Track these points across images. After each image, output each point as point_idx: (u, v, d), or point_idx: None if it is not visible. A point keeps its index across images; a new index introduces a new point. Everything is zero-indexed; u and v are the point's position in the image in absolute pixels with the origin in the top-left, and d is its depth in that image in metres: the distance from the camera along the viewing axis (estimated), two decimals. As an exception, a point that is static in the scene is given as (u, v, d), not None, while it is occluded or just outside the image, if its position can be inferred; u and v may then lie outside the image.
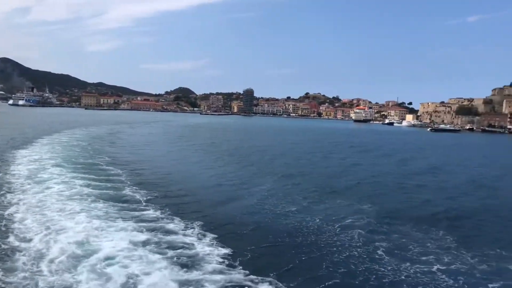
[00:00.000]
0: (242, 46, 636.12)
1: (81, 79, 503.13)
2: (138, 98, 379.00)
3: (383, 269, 13.49)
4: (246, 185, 27.16)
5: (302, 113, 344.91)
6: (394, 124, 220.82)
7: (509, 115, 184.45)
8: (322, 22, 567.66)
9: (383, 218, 20.07)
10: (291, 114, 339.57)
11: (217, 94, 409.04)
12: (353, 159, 47.74)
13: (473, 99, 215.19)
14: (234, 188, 26.27)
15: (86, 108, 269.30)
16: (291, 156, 47.14)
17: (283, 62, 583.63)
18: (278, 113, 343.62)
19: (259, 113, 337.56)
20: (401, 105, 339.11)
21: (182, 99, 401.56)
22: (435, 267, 14.04)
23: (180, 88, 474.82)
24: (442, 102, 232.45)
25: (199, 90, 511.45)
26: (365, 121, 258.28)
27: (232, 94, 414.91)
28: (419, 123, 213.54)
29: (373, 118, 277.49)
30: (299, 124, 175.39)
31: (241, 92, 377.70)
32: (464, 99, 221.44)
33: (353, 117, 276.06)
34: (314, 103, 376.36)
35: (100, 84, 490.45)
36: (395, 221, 19.67)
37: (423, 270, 13.63)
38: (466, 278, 13.24)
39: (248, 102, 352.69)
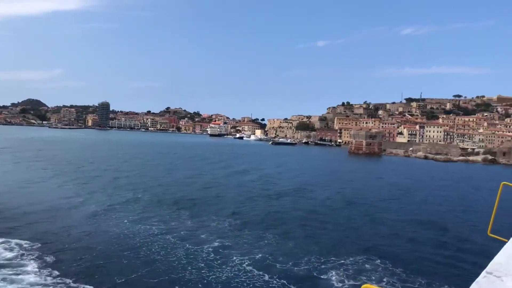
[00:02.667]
0: (101, 57, 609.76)
1: None
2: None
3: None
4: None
5: (161, 128, 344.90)
6: (244, 138, 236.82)
7: (338, 131, 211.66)
8: (186, 38, 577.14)
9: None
10: (149, 128, 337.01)
11: (71, 106, 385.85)
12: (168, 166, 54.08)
13: (311, 116, 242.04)
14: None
15: None
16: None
17: (145, 76, 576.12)
18: (136, 127, 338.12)
19: (115, 127, 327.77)
20: (254, 121, 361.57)
21: (30, 111, 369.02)
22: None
23: (29, 99, 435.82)
24: (286, 119, 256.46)
25: (52, 103, 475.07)
26: (220, 135, 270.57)
27: (88, 107, 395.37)
28: (265, 137, 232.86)
29: (229, 133, 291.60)
30: (151, 139, 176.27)
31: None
32: (304, 116, 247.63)
33: (209, 132, 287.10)
34: (173, 118, 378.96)
35: None
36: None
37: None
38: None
39: (103, 115, 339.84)
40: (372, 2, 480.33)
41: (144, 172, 51.41)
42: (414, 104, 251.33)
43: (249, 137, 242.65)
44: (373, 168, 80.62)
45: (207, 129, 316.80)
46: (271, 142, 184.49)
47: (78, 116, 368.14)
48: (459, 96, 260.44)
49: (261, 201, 35.28)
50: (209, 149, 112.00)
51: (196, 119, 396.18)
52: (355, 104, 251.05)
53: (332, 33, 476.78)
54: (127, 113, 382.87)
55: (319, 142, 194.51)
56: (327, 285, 16.85)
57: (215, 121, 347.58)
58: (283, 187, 44.52)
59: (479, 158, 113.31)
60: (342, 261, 19.69)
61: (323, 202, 36.21)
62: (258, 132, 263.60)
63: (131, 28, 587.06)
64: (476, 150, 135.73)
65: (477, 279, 1.84)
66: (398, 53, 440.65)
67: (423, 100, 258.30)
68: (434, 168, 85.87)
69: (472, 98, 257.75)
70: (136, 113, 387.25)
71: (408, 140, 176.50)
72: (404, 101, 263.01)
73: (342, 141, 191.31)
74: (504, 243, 2.71)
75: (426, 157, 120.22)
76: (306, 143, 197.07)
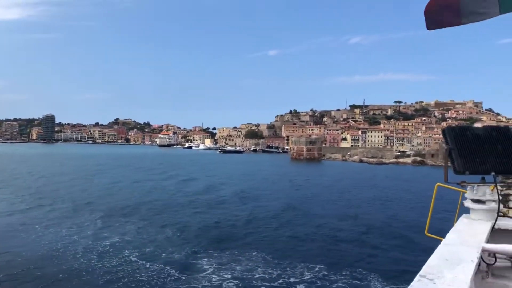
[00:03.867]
0: (46, 69, 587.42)
1: None
2: None
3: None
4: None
5: (109, 139, 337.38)
6: (193, 148, 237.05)
7: (286, 138, 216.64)
8: (136, 48, 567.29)
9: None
10: (97, 141, 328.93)
11: (14, 120, 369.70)
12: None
13: (259, 125, 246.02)
14: None
15: None
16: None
17: (93, 87, 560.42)
18: (83, 140, 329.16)
19: (61, 140, 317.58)
20: (206, 130, 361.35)
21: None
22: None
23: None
24: (235, 127, 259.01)
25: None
26: (169, 145, 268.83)
27: (33, 120, 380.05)
28: (214, 146, 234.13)
29: (179, 143, 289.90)
30: (93, 151, 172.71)
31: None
32: (253, 125, 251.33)
33: (158, 142, 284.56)
34: (122, 129, 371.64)
35: None
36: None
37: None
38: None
39: (49, 128, 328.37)
40: (320, 12, 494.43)
41: (60, 181, 53.43)
42: (357, 110, 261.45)
43: (198, 146, 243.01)
44: (302, 171, 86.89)
45: (156, 139, 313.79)
46: (219, 150, 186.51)
47: (22, 129, 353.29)
48: (400, 102, 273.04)
49: (169, 203, 38.01)
50: (150, 160, 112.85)
51: (146, 130, 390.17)
52: (302, 112, 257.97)
53: (283, 42, 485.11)
54: (74, 126, 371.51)
55: (266, 149, 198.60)
56: (199, 270, 19.19)
57: (166, 131, 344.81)
58: (197, 190, 48.28)
59: (409, 160, 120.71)
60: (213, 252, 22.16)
61: (221, 199, 41.73)
62: (208, 141, 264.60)
63: (77, 38, 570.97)
64: (408, 152, 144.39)
65: (412, 283, 1.88)
66: (346, 62, 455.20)
67: (366, 106, 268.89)
68: (364, 170, 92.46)
69: (412, 103, 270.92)
70: (84, 125, 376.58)
71: (352, 145, 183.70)
72: (349, 108, 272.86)
73: (289, 148, 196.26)
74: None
75: (361, 161, 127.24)
76: (254, 150, 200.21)
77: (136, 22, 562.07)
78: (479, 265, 2.68)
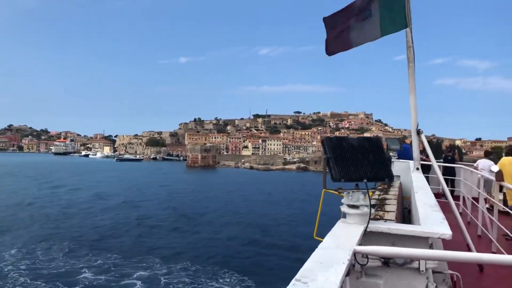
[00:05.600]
0: None
1: None
2: None
3: None
4: None
5: (0, 147, 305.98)
6: (90, 156, 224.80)
7: (189, 146, 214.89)
8: (36, 52, 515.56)
9: None
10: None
11: None
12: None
13: (161, 132, 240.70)
14: None
15: None
16: None
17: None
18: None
19: None
20: (107, 137, 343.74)
21: None
22: None
23: None
24: (136, 135, 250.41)
25: None
26: (66, 153, 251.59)
27: None
28: (112, 154, 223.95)
29: (76, 151, 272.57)
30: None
31: None
32: (155, 132, 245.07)
33: (53, 150, 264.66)
34: (14, 136, 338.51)
35: None
36: None
37: None
38: None
39: None
40: (232, 23, 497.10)
41: None
42: (260, 119, 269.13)
43: (95, 154, 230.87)
44: (187, 178, 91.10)
45: (51, 147, 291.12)
46: (116, 159, 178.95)
47: None
48: (299, 112, 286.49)
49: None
50: (33, 169, 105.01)
51: (43, 137, 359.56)
52: (206, 120, 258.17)
53: (195, 50, 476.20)
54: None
55: (167, 157, 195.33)
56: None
57: (64, 138, 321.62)
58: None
59: (293, 166, 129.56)
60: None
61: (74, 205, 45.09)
62: (107, 149, 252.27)
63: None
64: (294, 159, 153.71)
65: (287, 287, 1.91)
66: (255, 72, 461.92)
67: (269, 116, 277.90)
68: (243, 176, 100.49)
69: (310, 114, 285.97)
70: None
71: (253, 153, 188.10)
72: (252, 117, 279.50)
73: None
74: None
75: (251, 167, 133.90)
76: (155, 158, 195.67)
77: (39, 24, 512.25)
78: (354, 266, 2.87)
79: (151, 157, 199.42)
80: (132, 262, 23.56)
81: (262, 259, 24.54)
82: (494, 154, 13.96)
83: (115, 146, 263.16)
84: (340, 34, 6.67)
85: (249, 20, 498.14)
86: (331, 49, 6.87)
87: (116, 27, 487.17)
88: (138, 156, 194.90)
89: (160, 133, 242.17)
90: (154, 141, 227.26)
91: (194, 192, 60.62)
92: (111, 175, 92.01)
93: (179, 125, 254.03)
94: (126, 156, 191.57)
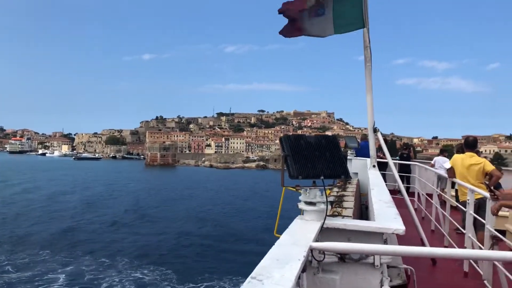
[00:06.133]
0: None
1: None
2: None
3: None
4: None
5: None
6: (47, 155, 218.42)
7: (147, 144, 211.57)
8: None
9: None
10: None
11: None
12: None
13: (122, 130, 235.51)
14: None
15: None
16: None
17: None
18: None
19: None
20: (67, 136, 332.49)
21: None
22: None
23: None
24: (96, 133, 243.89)
25: None
26: (22, 152, 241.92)
27: None
28: (70, 152, 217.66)
29: (34, 149, 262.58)
30: None
31: None
32: (115, 130, 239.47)
33: (8, 149, 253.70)
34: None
35: None
36: None
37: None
38: None
39: None
40: (197, 19, 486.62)
41: None
42: (224, 118, 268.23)
43: (53, 153, 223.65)
44: (141, 177, 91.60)
45: (6, 145, 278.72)
46: (73, 157, 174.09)
47: None
48: (263, 111, 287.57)
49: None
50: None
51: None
52: (168, 118, 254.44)
53: (158, 47, 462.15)
54: None
55: (127, 156, 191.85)
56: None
57: (21, 137, 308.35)
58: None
59: (253, 164, 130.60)
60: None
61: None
62: (65, 148, 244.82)
63: None
64: (254, 158, 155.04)
65: (242, 285, 1.89)
66: (221, 70, 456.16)
67: (233, 114, 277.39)
68: (197, 174, 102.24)
69: (273, 113, 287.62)
70: None
71: (216, 151, 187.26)
72: (216, 116, 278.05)
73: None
74: None
75: (211, 166, 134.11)
76: (114, 157, 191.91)
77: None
78: (311, 262, 2.90)
79: (111, 155, 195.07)
80: (59, 258, 24.21)
81: (221, 257, 24.67)
82: (447, 152, 14.53)
83: (74, 144, 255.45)
84: (293, 22, 6.65)
85: (214, 17, 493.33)
86: (285, 32, 6.83)
87: (77, 21, 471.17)
88: (97, 155, 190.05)
89: (120, 131, 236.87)
90: (114, 140, 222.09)
91: (144, 190, 61.58)
92: (65, 173, 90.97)
93: (140, 123, 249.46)
94: (85, 155, 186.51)
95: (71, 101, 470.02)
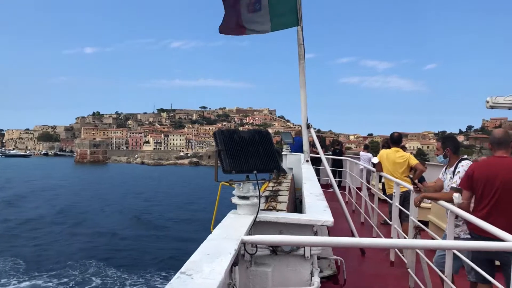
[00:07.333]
0: None
1: None
2: None
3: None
4: None
5: None
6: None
7: (77, 141, 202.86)
8: None
9: None
10: None
11: None
12: None
13: (56, 127, 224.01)
14: None
15: None
16: None
17: None
18: None
19: None
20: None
21: None
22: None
23: None
24: (27, 129, 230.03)
25: None
26: None
27: None
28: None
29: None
30: None
31: None
32: (49, 126, 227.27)
33: None
34: None
35: None
36: None
37: None
38: None
39: None
40: (141, 13, 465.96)
41: None
42: (164, 114, 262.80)
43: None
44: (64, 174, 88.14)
45: None
46: (1, 154, 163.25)
47: None
48: (205, 107, 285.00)
49: None
50: None
51: None
52: (106, 114, 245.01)
53: (101, 40, 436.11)
54: None
55: (59, 153, 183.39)
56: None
57: None
58: None
59: (186, 161, 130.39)
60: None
61: None
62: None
63: None
64: (189, 154, 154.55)
65: (171, 281, 1.86)
66: (167, 65, 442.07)
67: (174, 110, 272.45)
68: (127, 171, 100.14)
69: (216, 109, 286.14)
70: None
71: (154, 148, 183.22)
72: (156, 112, 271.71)
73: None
74: None
75: (142, 163, 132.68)
76: (46, 154, 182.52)
77: None
78: (243, 255, 2.95)
79: (42, 152, 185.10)
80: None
81: (154, 252, 24.46)
82: (370, 147, 15.28)
83: (3, 141, 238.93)
84: (232, 19, 6.70)
85: (160, 12, 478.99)
86: (224, 29, 6.87)
87: (10, 5, 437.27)
88: (28, 152, 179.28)
89: (54, 127, 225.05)
90: (47, 136, 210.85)
91: (64, 188, 60.47)
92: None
93: (76, 119, 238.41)
94: (13, 151, 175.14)
95: (0, 95, 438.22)
